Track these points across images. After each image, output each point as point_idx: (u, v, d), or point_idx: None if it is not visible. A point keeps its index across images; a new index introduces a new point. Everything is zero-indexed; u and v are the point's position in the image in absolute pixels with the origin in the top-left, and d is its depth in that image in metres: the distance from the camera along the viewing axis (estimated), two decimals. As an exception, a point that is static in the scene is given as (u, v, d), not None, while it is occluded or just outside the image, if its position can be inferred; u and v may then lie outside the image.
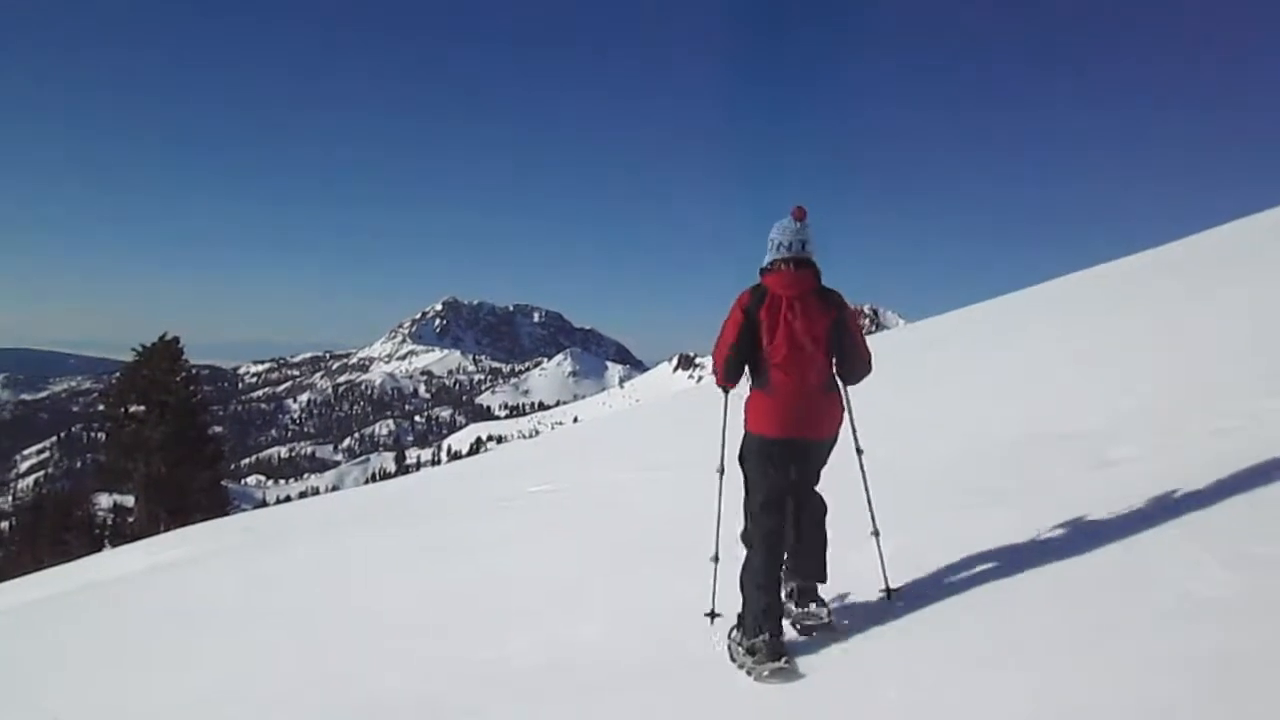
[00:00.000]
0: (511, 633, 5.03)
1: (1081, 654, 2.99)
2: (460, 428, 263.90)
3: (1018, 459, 6.29)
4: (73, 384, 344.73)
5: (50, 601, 11.36)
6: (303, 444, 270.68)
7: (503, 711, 4.02)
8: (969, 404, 9.53)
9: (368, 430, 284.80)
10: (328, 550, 9.79)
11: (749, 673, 3.57)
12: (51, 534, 30.82)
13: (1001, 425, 7.65)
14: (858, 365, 3.91)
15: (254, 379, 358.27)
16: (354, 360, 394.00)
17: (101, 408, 34.21)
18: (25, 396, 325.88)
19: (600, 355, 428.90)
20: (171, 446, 28.52)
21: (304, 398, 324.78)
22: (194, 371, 32.31)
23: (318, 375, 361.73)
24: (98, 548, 26.51)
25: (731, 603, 3.99)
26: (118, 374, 33.28)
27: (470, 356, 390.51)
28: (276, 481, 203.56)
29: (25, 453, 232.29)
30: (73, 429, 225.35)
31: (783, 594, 3.90)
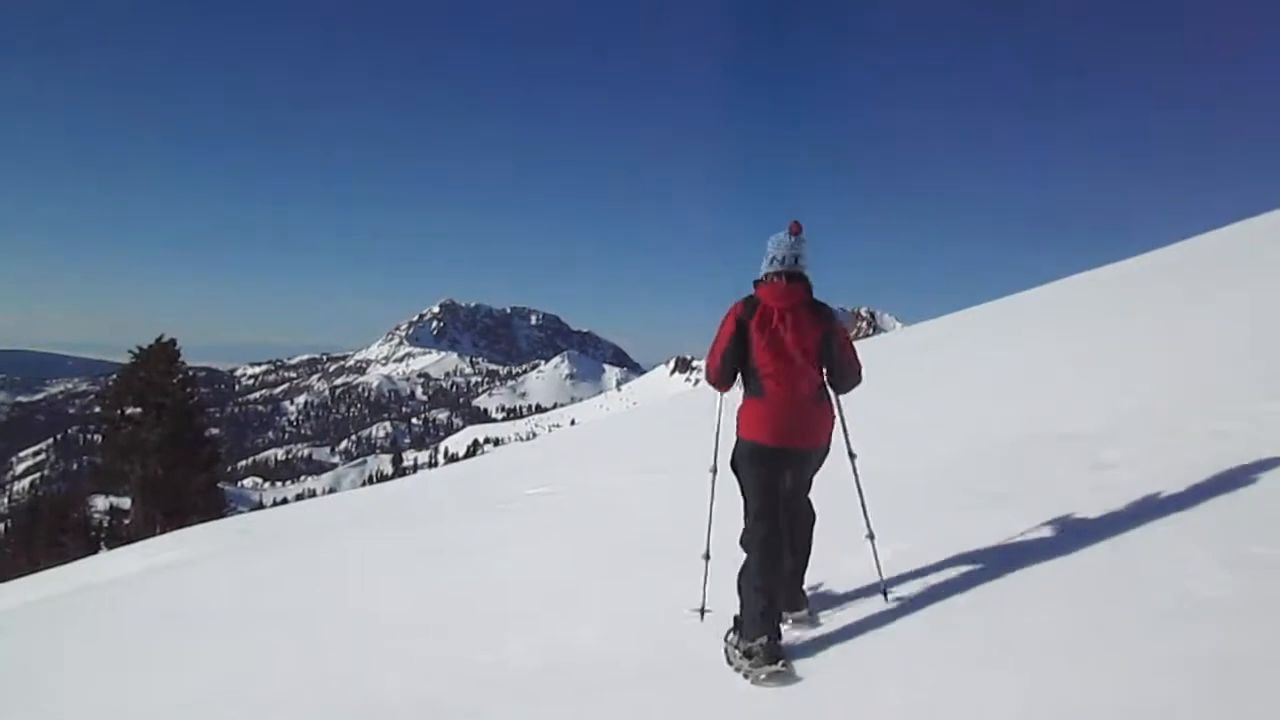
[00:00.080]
0: (509, 635, 5.01)
1: (1081, 654, 2.98)
2: (457, 430, 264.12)
3: (1017, 460, 6.29)
4: (69, 386, 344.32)
5: (47, 604, 11.32)
6: (299, 446, 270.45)
7: (501, 713, 4.01)
8: (968, 405, 9.52)
9: (364, 432, 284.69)
10: (325, 552, 9.76)
11: (746, 676, 3.57)
12: (47, 536, 30.71)
13: (1001, 426, 7.65)
14: (848, 377, 4.01)
15: (251, 381, 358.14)
16: (351, 362, 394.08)
17: (98, 410, 34.10)
18: (21, 398, 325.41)
19: (597, 358, 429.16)
20: (168, 448, 28.47)
21: (301, 400, 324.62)
22: (190, 373, 32.23)
23: (314, 377, 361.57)
24: (94, 550, 26.43)
25: (721, 600, 4.02)
26: (114, 376, 33.24)
27: (467, 359, 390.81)
28: (273, 484, 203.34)
29: (21, 455, 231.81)
30: (69, 431, 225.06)
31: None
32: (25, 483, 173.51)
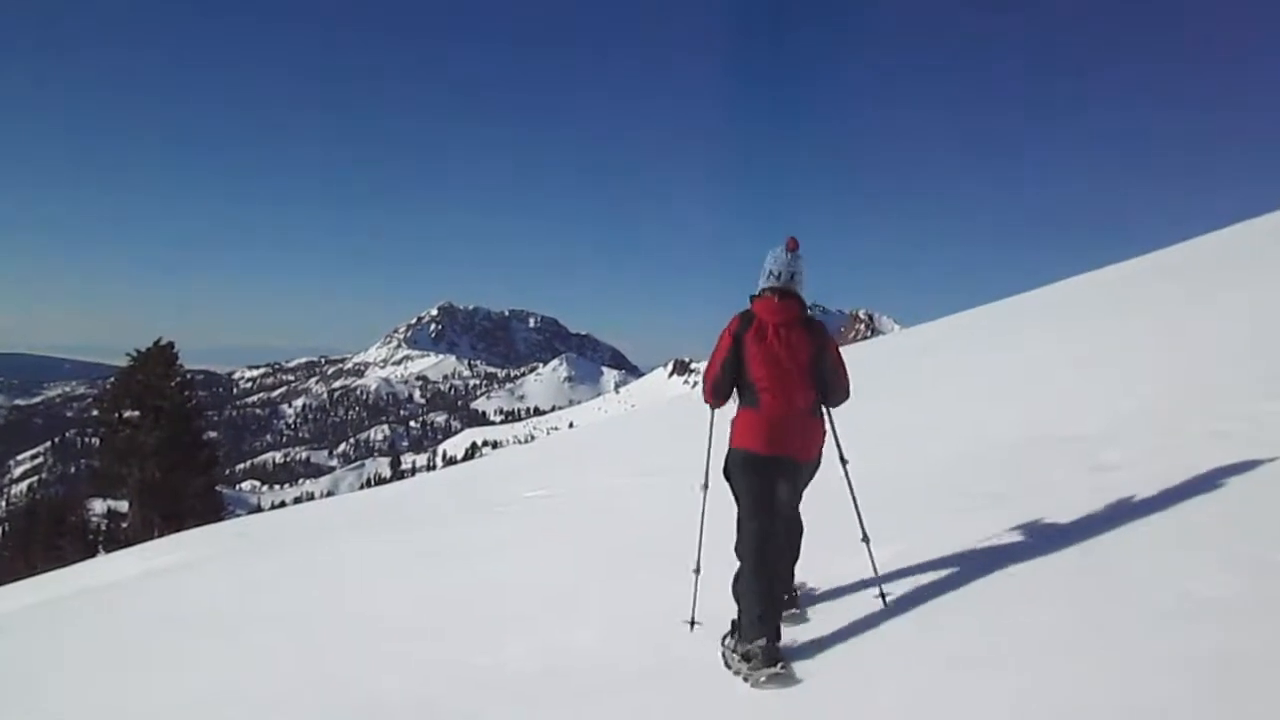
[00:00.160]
0: (507, 637, 5.01)
1: (1080, 654, 2.97)
2: (455, 433, 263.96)
3: (1016, 462, 6.29)
4: (67, 389, 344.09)
5: (45, 607, 11.30)
6: (297, 449, 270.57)
7: (499, 715, 4.00)
8: (967, 407, 9.52)
9: (363, 435, 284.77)
10: (323, 555, 9.74)
11: (745, 679, 3.57)
12: (45, 540, 30.69)
13: (1000, 428, 7.65)
14: (838, 392, 4.09)
15: (249, 384, 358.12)
16: (349, 365, 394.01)
17: (96, 413, 34.10)
18: (19, 401, 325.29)
19: (596, 360, 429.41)
20: (166, 452, 28.44)
21: (299, 403, 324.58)
22: (189, 376, 32.21)
23: (313, 380, 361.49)
24: (92, 553, 26.37)
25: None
26: (112, 379, 33.23)
27: (466, 362, 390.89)
28: (271, 487, 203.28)
29: (19, 458, 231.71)
30: (67, 434, 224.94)
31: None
32: (23, 486, 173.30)
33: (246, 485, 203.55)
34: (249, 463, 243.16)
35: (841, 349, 4.22)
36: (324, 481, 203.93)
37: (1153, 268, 17.41)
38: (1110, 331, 11.52)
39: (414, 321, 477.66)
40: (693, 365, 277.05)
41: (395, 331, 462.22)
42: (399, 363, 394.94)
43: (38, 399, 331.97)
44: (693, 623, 4.30)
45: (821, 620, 4.10)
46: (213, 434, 41.52)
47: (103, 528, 33.71)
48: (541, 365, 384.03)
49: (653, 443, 15.66)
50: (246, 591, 8.61)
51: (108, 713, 5.53)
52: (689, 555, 4.39)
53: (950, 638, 3.51)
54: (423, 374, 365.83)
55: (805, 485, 4.11)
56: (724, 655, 3.83)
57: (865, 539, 4.22)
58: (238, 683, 5.47)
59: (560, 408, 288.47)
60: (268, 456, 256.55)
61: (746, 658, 3.61)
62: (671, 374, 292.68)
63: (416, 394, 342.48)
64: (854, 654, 3.64)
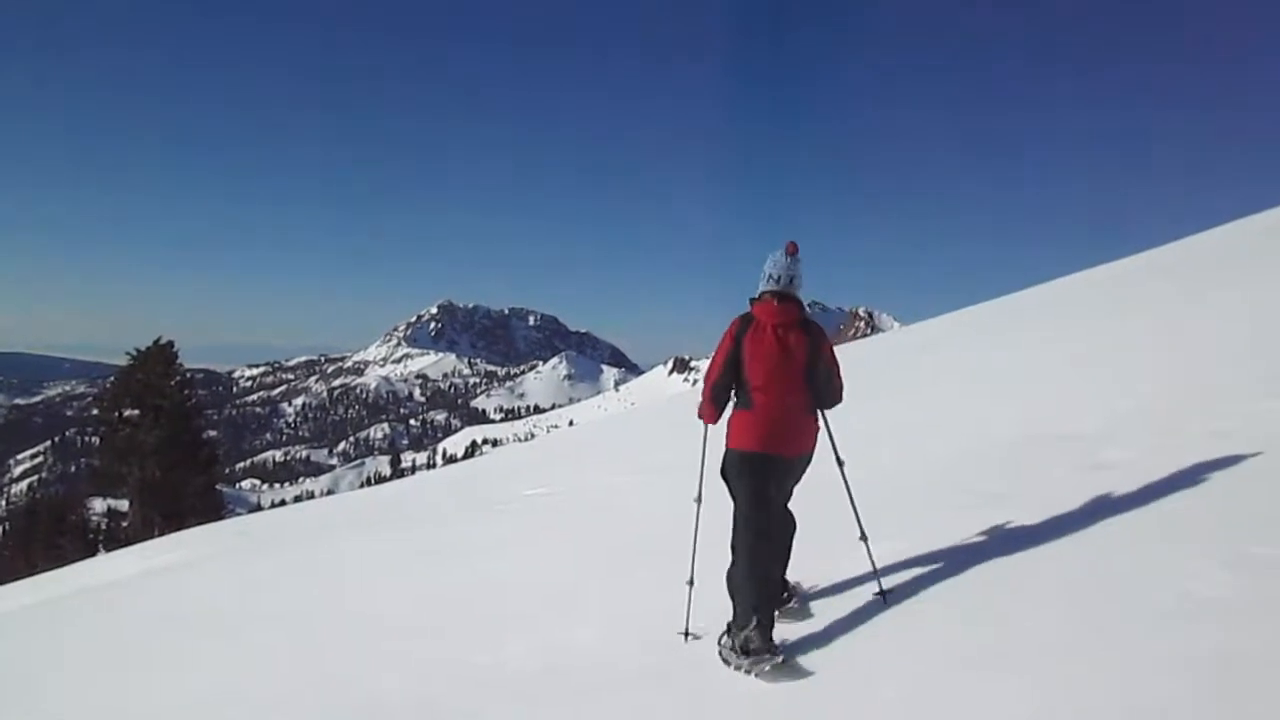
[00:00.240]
0: (507, 636, 5.01)
1: (1080, 654, 2.98)
2: (455, 431, 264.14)
3: (1015, 460, 6.28)
4: (67, 388, 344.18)
5: (45, 606, 11.30)
6: (297, 448, 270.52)
7: (499, 714, 4.01)
8: (966, 405, 9.52)
9: (363, 434, 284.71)
10: (323, 554, 9.74)
11: (748, 672, 3.58)
12: (45, 539, 30.65)
13: (999, 426, 7.64)
14: (831, 394, 4.12)
15: (249, 383, 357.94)
16: (349, 364, 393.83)
17: (96, 412, 34.06)
18: (19, 401, 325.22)
19: (595, 358, 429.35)
20: (166, 451, 28.42)
21: (299, 401, 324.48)
22: (188, 375, 32.18)
23: (312, 379, 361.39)
24: (92, 552, 26.37)
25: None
26: (112, 378, 33.19)
27: (465, 360, 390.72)
28: (271, 485, 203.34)
29: (19, 457, 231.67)
30: (67, 433, 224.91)
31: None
32: (23, 485, 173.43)
33: (246, 484, 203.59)
34: (249, 461, 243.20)
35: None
36: (324, 480, 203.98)
37: (1150, 266, 17.41)
38: (1109, 330, 11.52)
39: (414, 320, 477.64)
40: (692, 363, 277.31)
41: (395, 330, 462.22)
42: (399, 361, 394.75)
43: (38, 398, 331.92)
44: (687, 634, 4.33)
45: (821, 617, 4.10)
46: (213, 433, 41.54)
47: (103, 527, 33.70)
48: (541, 363, 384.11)
49: (652, 440, 15.65)
50: (247, 590, 8.61)
51: (108, 713, 5.54)
52: (688, 554, 4.40)
53: (949, 635, 3.52)
54: (422, 372, 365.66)
55: (797, 480, 4.14)
56: (721, 654, 3.84)
57: (863, 537, 4.25)
58: (238, 682, 5.48)
59: (560, 406, 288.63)
60: (268, 455, 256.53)
61: (745, 651, 3.63)
62: (671, 372, 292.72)
63: (416, 392, 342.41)
64: (853, 651, 3.65)
